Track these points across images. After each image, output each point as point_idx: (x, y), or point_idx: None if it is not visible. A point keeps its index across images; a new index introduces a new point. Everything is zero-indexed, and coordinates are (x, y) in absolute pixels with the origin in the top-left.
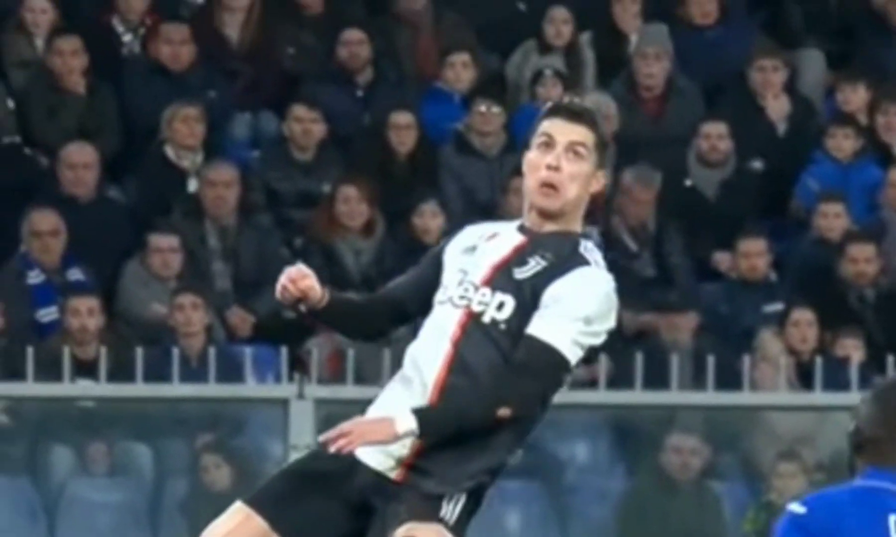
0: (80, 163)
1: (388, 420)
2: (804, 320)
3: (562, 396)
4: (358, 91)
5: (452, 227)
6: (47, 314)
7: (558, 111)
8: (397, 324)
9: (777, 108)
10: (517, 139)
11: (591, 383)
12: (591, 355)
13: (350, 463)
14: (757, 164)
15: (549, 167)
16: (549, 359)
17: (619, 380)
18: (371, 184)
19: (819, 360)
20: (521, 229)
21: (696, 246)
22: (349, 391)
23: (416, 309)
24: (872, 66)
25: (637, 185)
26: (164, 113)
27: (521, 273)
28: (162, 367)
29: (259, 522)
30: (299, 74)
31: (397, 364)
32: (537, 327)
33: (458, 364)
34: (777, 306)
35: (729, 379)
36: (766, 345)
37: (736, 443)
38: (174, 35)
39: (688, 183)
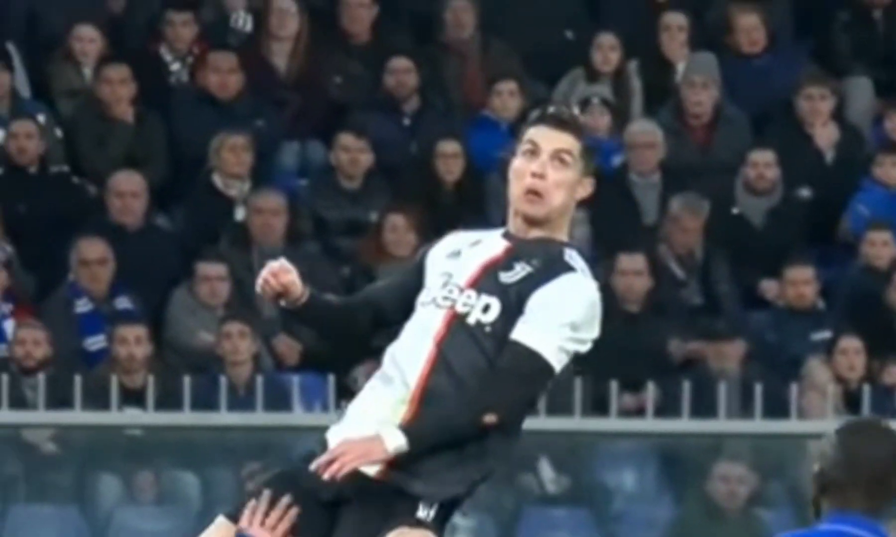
0: (128, 192)
1: (378, 439)
2: (852, 348)
3: (609, 424)
4: (405, 119)
5: None
6: (95, 343)
7: (544, 119)
8: (376, 329)
9: (825, 135)
10: None
11: (639, 411)
12: (575, 363)
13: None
14: (804, 192)
15: (534, 175)
16: (535, 365)
17: (667, 408)
18: (418, 212)
19: (867, 388)
20: (506, 235)
21: (743, 274)
22: None
23: (395, 314)
24: None
25: (685, 214)
26: (211, 141)
27: (507, 277)
28: (209, 396)
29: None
30: (347, 103)
31: None
32: (523, 333)
33: (441, 363)
34: (825, 334)
35: (776, 407)
36: (813, 373)
37: (783, 472)
38: (222, 64)
39: (735, 211)
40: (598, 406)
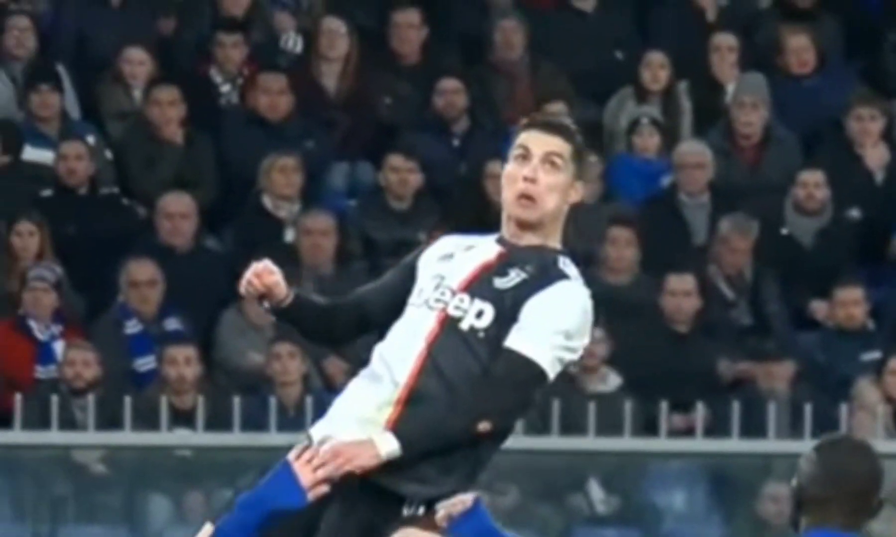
0: (177, 213)
1: (370, 443)
2: None
3: (659, 444)
4: (454, 140)
5: None
6: (145, 363)
7: (535, 123)
8: (362, 332)
9: (875, 156)
10: (614, 188)
11: (689, 431)
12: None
13: None
14: (854, 213)
15: (525, 179)
16: (530, 372)
17: (717, 428)
18: (467, 233)
19: None
20: (500, 241)
21: (792, 294)
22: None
23: (383, 317)
24: None
25: (734, 234)
26: (261, 163)
27: (501, 283)
28: (259, 416)
29: None
30: (396, 124)
31: None
32: (517, 340)
33: (431, 366)
34: (874, 354)
35: (826, 427)
36: (863, 394)
37: None
38: (272, 85)
39: (785, 231)
40: (647, 426)
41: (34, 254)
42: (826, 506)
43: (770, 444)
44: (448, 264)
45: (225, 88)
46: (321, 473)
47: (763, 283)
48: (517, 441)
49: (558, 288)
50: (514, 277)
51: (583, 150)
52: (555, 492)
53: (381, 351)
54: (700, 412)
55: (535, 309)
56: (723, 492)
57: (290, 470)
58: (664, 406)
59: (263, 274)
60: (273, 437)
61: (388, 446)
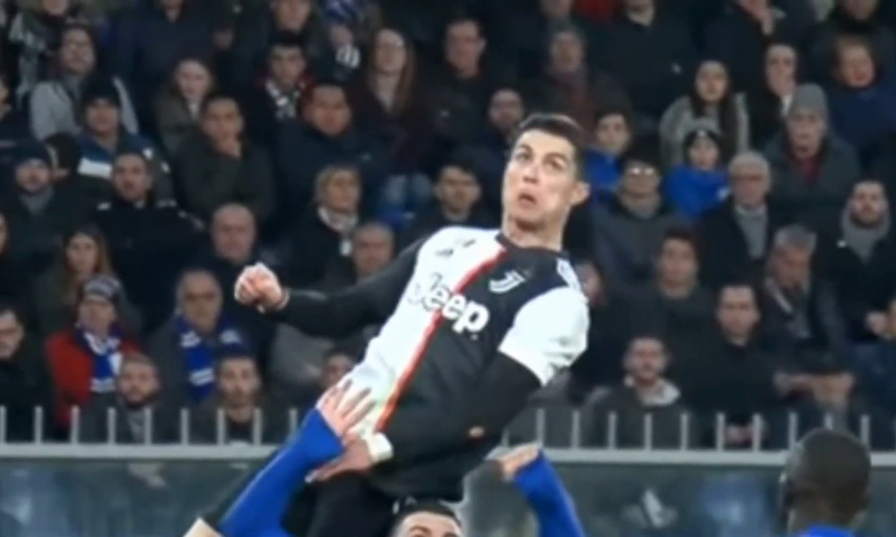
0: (234, 226)
1: (362, 444)
2: None
3: (715, 457)
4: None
5: (607, 289)
6: (202, 376)
7: (537, 123)
8: (364, 323)
9: None
10: (671, 201)
11: (745, 444)
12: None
13: None
14: None
15: (526, 179)
16: (522, 379)
17: (773, 440)
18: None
19: None
20: (500, 239)
21: (850, 307)
22: (502, 452)
23: (385, 308)
24: None
25: (791, 246)
26: (318, 176)
27: (497, 286)
28: None
29: None
30: (453, 137)
31: (551, 420)
32: (512, 345)
33: (425, 367)
34: None
35: (883, 439)
36: None
37: (890, 504)
38: (328, 99)
39: (842, 244)
40: (704, 439)
41: (91, 267)
42: (815, 501)
43: None
44: (446, 261)
45: (282, 102)
46: (350, 417)
47: (820, 296)
48: (573, 453)
49: (555, 294)
50: (511, 281)
51: (584, 151)
52: (611, 505)
53: (376, 347)
54: (757, 425)
55: (531, 315)
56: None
57: (321, 419)
58: (721, 419)
59: (256, 279)
60: None
61: (380, 448)
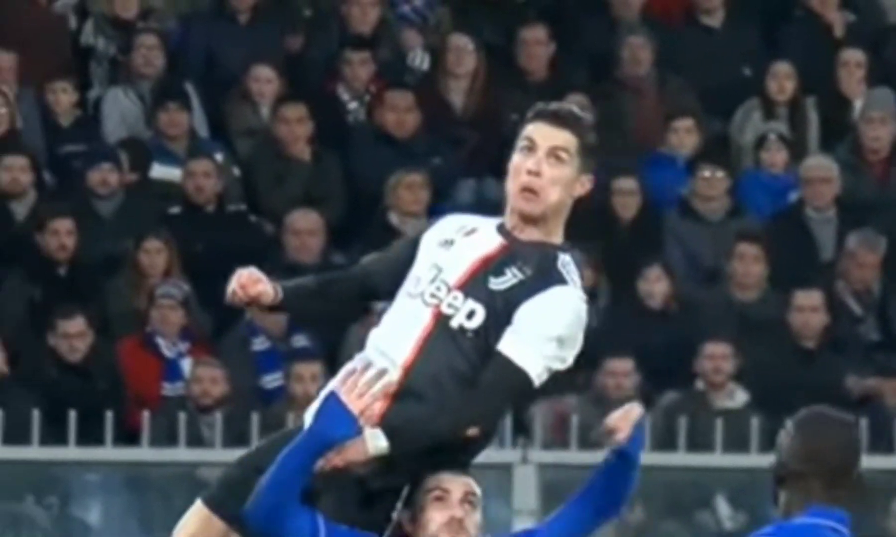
0: (305, 230)
1: (360, 439)
2: None
3: None
4: None
5: (677, 292)
6: (272, 380)
7: (541, 115)
8: (366, 302)
9: None
10: (741, 204)
11: None
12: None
13: None
14: None
15: (529, 172)
16: (518, 380)
17: None
18: (594, 249)
19: None
20: (501, 230)
21: None
22: (573, 456)
23: (388, 290)
24: None
25: (862, 249)
26: (388, 179)
27: (496, 284)
28: None
29: (217, 522)
30: None
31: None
32: (510, 345)
33: (421, 361)
34: None
35: None
36: None
37: None
38: (399, 102)
39: None
40: (774, 442)
41: (162, 271)
42: (806, 481)
43: None
44: (447, 254)
45: (352, 105)
46: (367, 398)
47: (891, 299)
48: (644, 457)
49: (554, 293)
50: (510, 278)
51: (591, 143)
52: (682, 509)
53: (376, 340)
54: None
55: (529, 314)
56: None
57: (338, 401)
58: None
59: (247, 285)
60: None
61: (378, 443)
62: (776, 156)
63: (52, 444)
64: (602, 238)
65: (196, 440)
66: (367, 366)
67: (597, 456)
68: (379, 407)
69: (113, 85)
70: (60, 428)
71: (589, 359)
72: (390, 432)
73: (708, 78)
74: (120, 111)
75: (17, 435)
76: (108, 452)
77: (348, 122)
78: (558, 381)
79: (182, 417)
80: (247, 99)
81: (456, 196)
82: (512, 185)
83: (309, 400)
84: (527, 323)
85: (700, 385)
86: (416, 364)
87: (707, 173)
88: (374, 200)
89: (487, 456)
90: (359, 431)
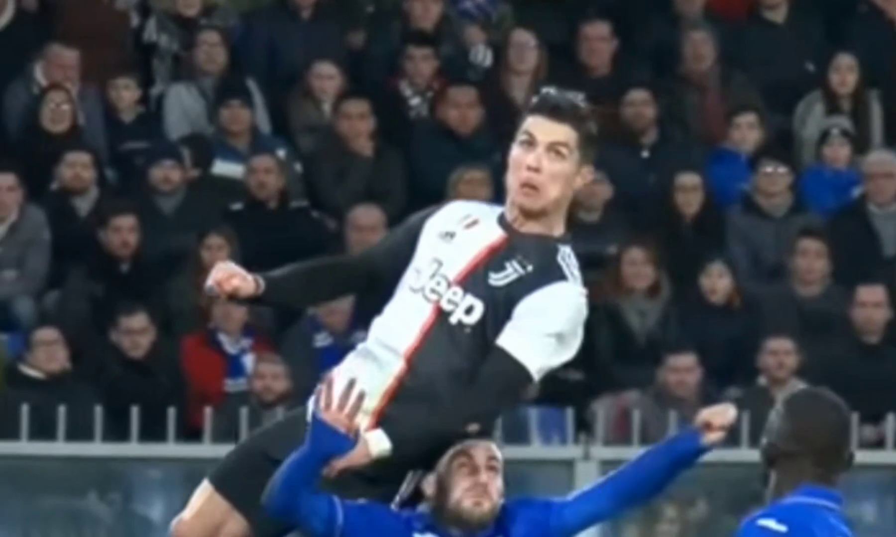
0: (367, 226)
1: (363, 441)
2: None
3: None
4: (643, 152)
5: (740, 288)
6: None
7: (541, 108)
8: (368, 290)
9: None
10: (804, 199)
11: (878, 443)
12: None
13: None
14: None
15: (529, 168)
16: (519, 377)
17: None
18: (657, 245)
19: None
20: (502, 222)
21: None
22: (634, 452)
23: (390, 278)
24: None
25: None
26: (450, 175)
27: (496, 279)
28: None
29: (220, 500)
30: None
31: (684, 420)
32: (510, 341)
33: (420, 357)
34: None
35: None
36: None
37: None
38: (461, 98)
39: None
40: None
41: None
42: (796, 461)
43: None
44: (448, 247)
45: (414, 101)
46: (350, 411)
47: None
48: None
49: (554, 290)
50: (511, 273)
51: (591, 134)
52: (744, 505)
53: (377, 333)
54: (891, 424)
55: (529, 310)
56: None
57: (323, 423)
58: (854, 418)
59: (222, 281)
60: None
61: (380, 446)
62: (839, 152)
63: (114, 441)
64: (665, 234)
65: None
66: (331, 382)
67: None
68: (378, 404)
69: (175, 81)
70: (123, 425)
71: (651, 354)
72: (392, 433)
73: (771, 73)
74: (182, 108)
75: (80, 432)
76: (170, 448)
77: (410, 118)
78: (620, 377)
79: (244, 413)
80: (309, 95)
81: None
82: (512, 180)
83: None
84: (527, 319)
85: (762, 381)
86: (415, 360)
87: (769, 169)
88: (436, 196)
89: (549, 452)
90: (354, 442)
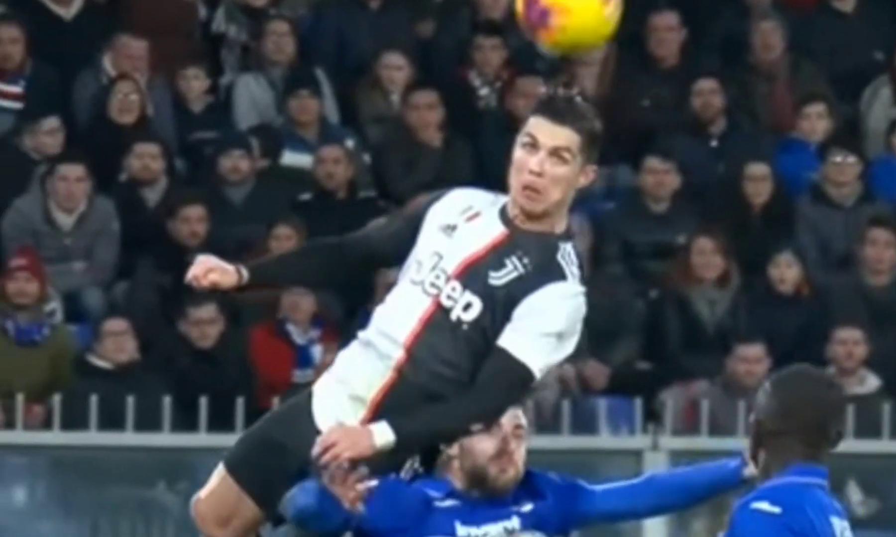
0: None
1: (367, 433)
2: None
3: None
4: (712, 141)
5: (809, 278)
6: None
7: (544, 110)
8: (365, 271)
9: None
10: (873, 189)
11: None
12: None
13: (313, 432)
14: None
15: (531, 172)
16: (521, 376)
17: None
18: (726, 235)
19: None
20: (504, 216)
21: None
22: (703, 442)
23: (393, 261)
24: None
25: None
26: None
27: (495, 278)
28: None
29: (232, 483)
30: (654, 126)
31: (750, 411)
32: (511, 341)
33: (421, 348)
34: None
35: None
36: None
37: None
38: (530, 89)
39: None
40: None
41: None
42: (784, 439)
43: None
44: (448, 240)
45: (483, 92)
46: (351, 492)
47: None
48: None
49: (553, 289)
50: (511, 271)
51: (595, 135)
52: None
53: (378, 322)
54: None
55: (529, 310)
56: None
57: (326, 494)
58: None
59: (200, 277)
60: (530, 441)
61: (384, 437)
62: None
63: (183, 431)
64: (734, 224)
65: None
66: (340, 465)
67: (726, 443)
68: (375, 396)
69: (244, 72)
70: (191, 415)
71: (720, 344)
72: (396, 427)
73: (839, 63)
74: (251, 98)
75: (149, 423)
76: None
77: (479, 109)
78: (689, 367)
79: None
80: (377, 85)
81: None
82: (514, 181)
83: None
84: (527, 319)
85: (831, 370)
86: (417, 349)
87: (839, 158)
88: (505, 187)
89: (618, 442)
90: (357, 516)
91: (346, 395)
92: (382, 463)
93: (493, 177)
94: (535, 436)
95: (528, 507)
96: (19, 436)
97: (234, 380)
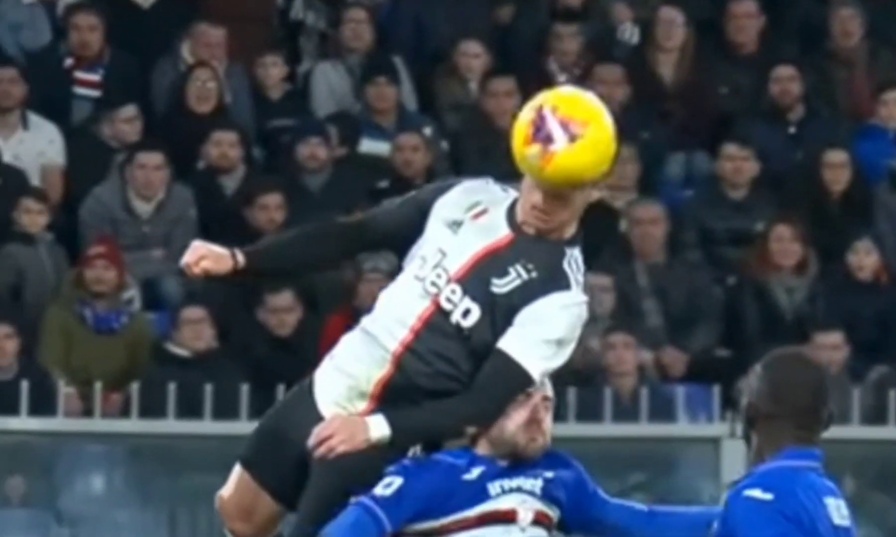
0: None
1: (364, 425)
2: None
3: None
4: (790, 128)
5: (888, 265)
6: None
7: None
8: (377, 249)
9: None
10: None
11: None
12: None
13: (316, 419)
14: None
15: (535, 207)
16: (520, 379)
17: None
18: (804, 222)
19: None
20: (511, 219)
21: None
22: None
23: (402, 245)
24: None
25: None
26: None
27: (498, 286)
28: (594, 407)
29: (249, 478)
30: (732, 113)
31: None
32: (512, 345)
33: (419, 346)
34: None
35: None
36: None
37: None
38: (608, 76)
39: None
40: None
41: None
42: (776, 422)
43: None
44: (453, 238)
45: (561, 79)
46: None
47: None
48: (853, 431)
49: (557, 298)
50: (514, 279)
51: (602, 177)
52: (892, 482)
53: (380, 312)
54: None
55: (532, 317)
56: None
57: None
58: None
59: (192, 265)
60: (607, 428)
61: (380, 431)
62: None
63: (260, 419)
64: (812, 211)
65: None
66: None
67: None
68: (372, 390)
69: (322, 59)
70: (269, 403)
71: (799, 332)
72: (392, 421)
73: None
74: (329, 85)
75: (227, 410)
76: None
77: None
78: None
79: None
80: (455, 73)
81: (666, 170)
82: (523, 201)
83: None
84: (529, 325)
85: None
86: (411, 352)
87: None
88: None
89: (696, 429)
90: None
91: (345, 384)
92: (380, 454)
93: None
94: (614, 424)
95: (550, 474)
96: (97, 424)
97: (311, 367)
